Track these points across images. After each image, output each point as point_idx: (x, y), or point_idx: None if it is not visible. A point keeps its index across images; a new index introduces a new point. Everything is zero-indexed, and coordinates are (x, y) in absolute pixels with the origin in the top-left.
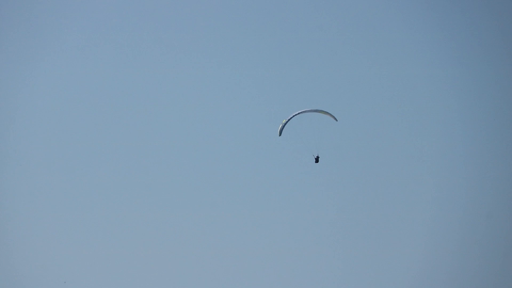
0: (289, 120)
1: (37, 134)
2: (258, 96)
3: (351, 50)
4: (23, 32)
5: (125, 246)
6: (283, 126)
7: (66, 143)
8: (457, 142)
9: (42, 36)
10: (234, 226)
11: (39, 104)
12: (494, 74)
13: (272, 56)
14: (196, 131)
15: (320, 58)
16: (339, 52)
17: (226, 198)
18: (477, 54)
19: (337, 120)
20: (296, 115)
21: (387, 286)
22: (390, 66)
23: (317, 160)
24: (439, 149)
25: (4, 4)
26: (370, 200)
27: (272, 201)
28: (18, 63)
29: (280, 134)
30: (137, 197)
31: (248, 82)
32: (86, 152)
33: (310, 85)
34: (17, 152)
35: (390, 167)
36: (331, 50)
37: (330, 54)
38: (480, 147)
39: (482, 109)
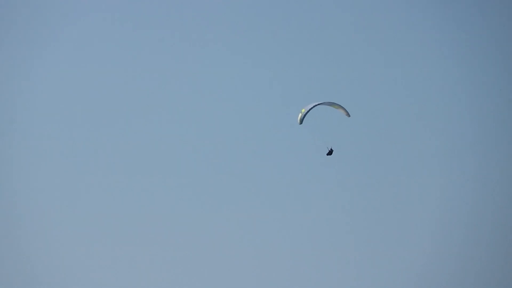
0: (309, 110)
1: (37, 134)
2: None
3: (365, 49)
4: (22, 32)
5: (131, 246)
6: (304, 116)
7: (66, 143)
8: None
9: (41, 35)
10: (237, 223)
11: (39, 104)
12: (502, 73)
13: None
14: (201, 128)
15: (333, 56)
16: (353, 51)
17: (228, 196)
18: (484, 53)
19: (349, 116)
20: (315, 106)
21: (395, 282)
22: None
23: (330, 153)
24: (451, 148)
25: (3, 4)
26: (377, 197)
27: (274, 198)
28: (17, 63)
29: (301, 123)
30: (142, 196)
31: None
32: (97, 151)
33: (322, 83)
34: (17, 151)
35: (399, 165)
36: (344, 48)
37: (343, 53)
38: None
39: (492, 109)
